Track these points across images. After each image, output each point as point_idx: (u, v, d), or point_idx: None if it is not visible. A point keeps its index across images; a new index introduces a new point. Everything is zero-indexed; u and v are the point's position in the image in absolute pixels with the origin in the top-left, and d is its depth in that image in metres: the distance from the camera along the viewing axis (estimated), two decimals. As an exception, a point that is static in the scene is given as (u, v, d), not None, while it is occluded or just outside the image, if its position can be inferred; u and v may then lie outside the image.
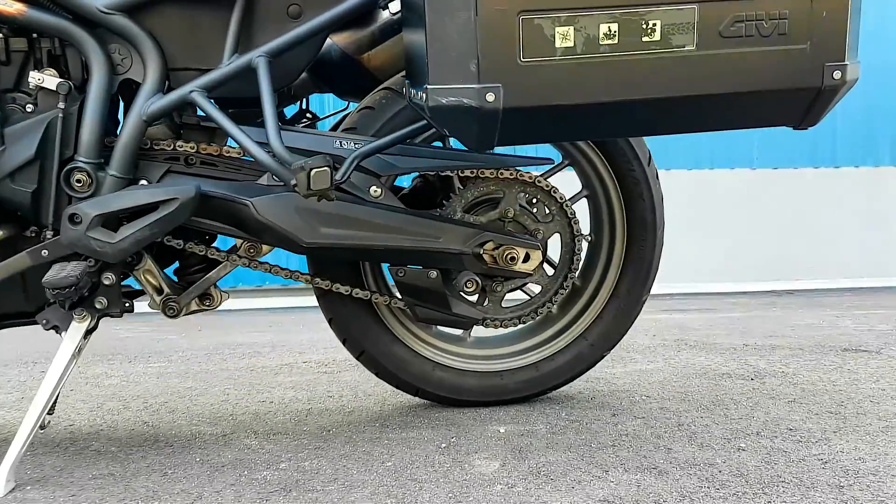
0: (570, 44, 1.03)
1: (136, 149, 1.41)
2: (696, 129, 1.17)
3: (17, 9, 1.35)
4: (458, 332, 1.71)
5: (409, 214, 1.49)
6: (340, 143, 1.48)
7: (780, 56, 1.06)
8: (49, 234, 1.41)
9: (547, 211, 1.59)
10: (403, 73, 1.52)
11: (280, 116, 1.73)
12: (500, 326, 1.63)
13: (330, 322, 1.65)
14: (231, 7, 1.42)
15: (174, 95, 1.40)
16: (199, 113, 1.48)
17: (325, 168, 1.26)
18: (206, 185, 1.43)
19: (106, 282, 1.43)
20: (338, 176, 1.34)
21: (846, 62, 1.07)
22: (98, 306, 1.43)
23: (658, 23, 1.04)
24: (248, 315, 3.47)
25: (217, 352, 2.49)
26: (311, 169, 1.25)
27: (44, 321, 1.44)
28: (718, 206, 4.78)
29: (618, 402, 1.75)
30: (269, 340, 2.69)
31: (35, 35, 1.41)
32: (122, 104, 1.50)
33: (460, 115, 1.07)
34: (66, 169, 1.39)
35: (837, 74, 1.07)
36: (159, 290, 1.51)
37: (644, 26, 1.04)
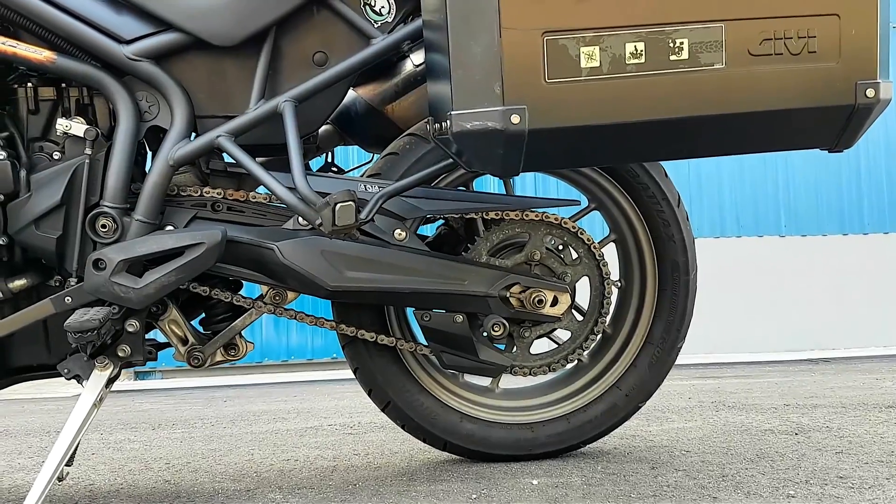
0: (596, 63, 1.02)
1: (162, 194, 1.40)
2: (728, 151, 1.15)
3: (46, 56, 1.37)
4: (486, 382, 1.66)
5: (434, 257, 1.47)
6: (365, 186, 1.47)
7: (811, 74, 1.04)
8: (73, 281, 1.40)
9: (574, 254, 1.56)
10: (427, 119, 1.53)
11: (306, 169, 1.74)
12: (529, 374, 1.57)
13: (355, 372, 1.60)
14: (258, 54, 1.44)
15: (201, 141, 1.41)
16: (227, 159, 1.49)
17: (350, 202, 1.25)
18: (233, 230, 1.42)
19: (129, 329, 1.41)
20: (362, 215, 1.32)
21: (878, 80, 1.05)
22: (121, 354, 1.41)
23: (685, 41, 1.03)
24: (273, 387, 3.43)
25: (242, 418, 2.44)
26: (335, 204, 1.24)
27: (65, 370, 1.42)
28: (746, 274, 4.71)
29: (656, 455, 1.67)
30: (293, 407, 2.64)
31: (63, 84, 1.43)
32: (149, 152, 1.51)
33: (485, 140, 1.05)
34: (91, 214, 1.39)
35: (871, 92, 1.04)
36: (184, 341, 1.48)
37: (671, 45, 1.03)
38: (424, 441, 1.63)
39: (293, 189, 1.34)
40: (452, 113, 1.07)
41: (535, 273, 1.53)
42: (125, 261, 1.34)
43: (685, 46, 1.03)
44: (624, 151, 1.16)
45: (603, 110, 1.03)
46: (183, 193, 1.45)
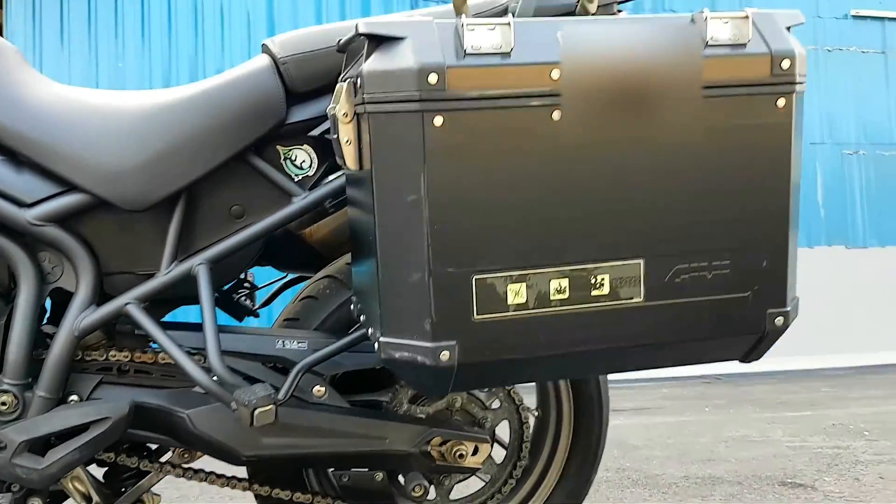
0: (523, 300, 1.03)
1: (67, 367, 1.34)
2: (648, 368, 1.18)
3: (-63, 229, 1.28)
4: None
5: (354, 415, 1.46)
6: (283, 342, 1.44)
7: (724, 304, 1.09)
8: None
9: (495, 398, 1.58)
10: (347, 258, 1.52)
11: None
12: (450, 521, 1.59)
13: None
14: (170, 214, 1.38)
15: (108, 308, 1.35)
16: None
17: (270, 407, 1.22)
18: (141, 394, 1.37)
19: None
20: (280, 395, 1.30)
21: (787, 308, 1.10)
22: None
23: (606, 277, 1.05)
24: None
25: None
26: (254, 409, 1.21)
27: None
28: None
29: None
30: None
31: None
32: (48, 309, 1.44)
33: (413, 369, 1.05)
34: None
35: (780, 321, 1.10)
36: (88, 499, 1.43)
37: (593, 281, 1.05)
38: None
39: (208, 370, 1.30)
40: (381, 340, 1.06)
41: (455, 420, 1.54)
42: (27, 441, 1.28)
43: (606, 282, 1.05)
44: (551, 374, 1.18)
45: (529, 344, 1.05)
46: (88, 358, 1.39)
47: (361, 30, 1.01)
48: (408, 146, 0.99)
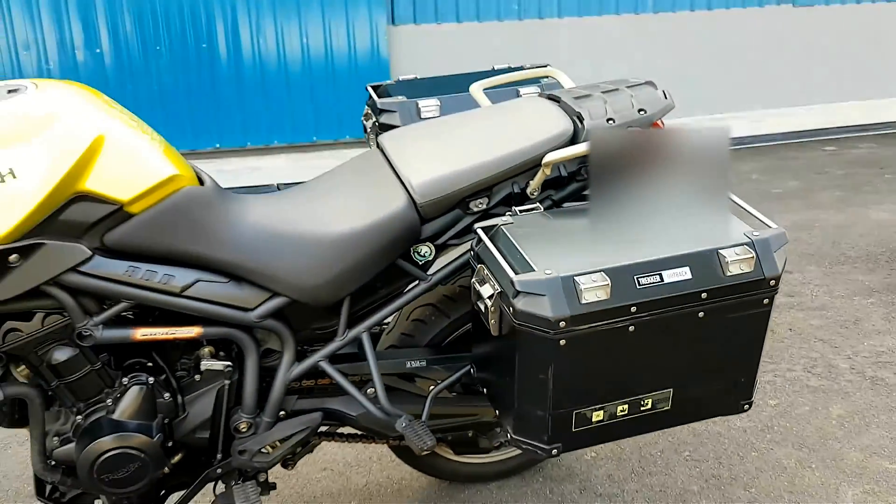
0: (600, 418, 1.74)
1: (281, 401, 2.02)
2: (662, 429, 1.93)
3: (196, 332, 1.87)
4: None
5: (465, 402, 2.21)
6: (410, 363, 2.14)
7: (717, 399, 1.81)
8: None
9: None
10: (443, 290, 2.17)
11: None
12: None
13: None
14: (343, 301, 1.98)
15: (307, 364, 2.00)
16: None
17: (420, 438, 1.96)
18: (325, 403, 2.09)
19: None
20: (423, 418, 2.03)
21: (752, 399, 1.84)
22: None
23: (650, 400, 1.76)
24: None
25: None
26: (421, 451, 1.95)
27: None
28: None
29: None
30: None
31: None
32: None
33: (531, 452, 1.79)
34: (232, 420, 2.00)
35: (746, 406, 1.84)
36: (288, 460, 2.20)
37: (641, 403, 1.75)
38: None
39: (378, 404, 2.01)
40: (512, 436, 1.78)
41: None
42: (260, 448, 2.01)
43: (649, 402, 1.76)
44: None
45: (602, 438, 1.78)
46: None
47: (518, 287, 1.59)
48: (543, 351, 1.62)
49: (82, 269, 1.67)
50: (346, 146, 6.88)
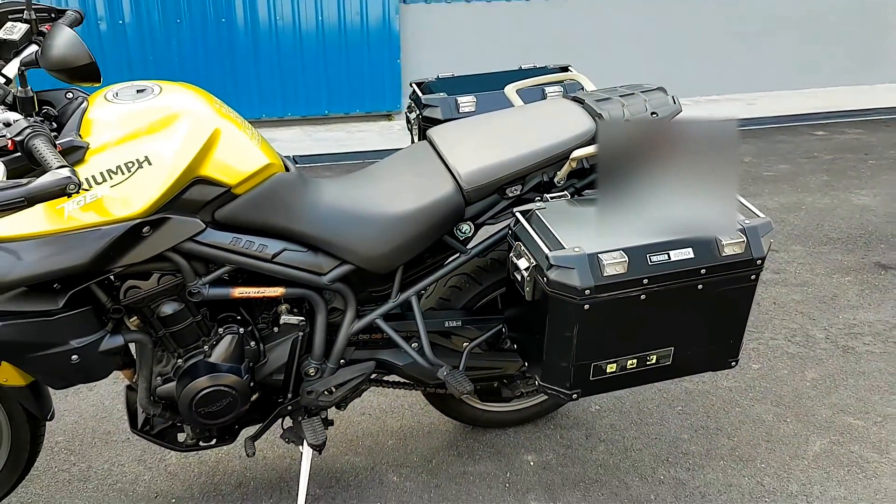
0: (613, 369, 2.13)
1: (343, 351, 2.40)
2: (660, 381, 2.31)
3: (279, 292, 2.23)
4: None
5: (496, 356, 2.61)
6: (447, 322, 2.53)
7: (709, 359, 2.20)
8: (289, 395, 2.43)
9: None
10: (477, 262, 2.54)
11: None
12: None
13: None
14: (397, 268, 2.34)
15: (366, 320, 2.37)
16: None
17: (458, 386, 2.34)
18: (377, 354, 2.47)
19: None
20: (460, 367, 2.42)
21: (738, 357, 2.22)
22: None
23: (655, 356, 2.14)
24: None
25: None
26: (448, 379, 2.34)
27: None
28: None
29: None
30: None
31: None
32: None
33: (556, 397, 2.18)
34: (304, 364, 2.38)
35: (734, 363, 2.23)
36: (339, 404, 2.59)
37: (648, 358, 2.14)
38: None
39: (424, 355, 2.39)
40: (540, 382, 2.17)
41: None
42: (326, 390, 2.39)
43: (654, 357, 2.14)
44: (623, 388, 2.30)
45: (614, 385, 2.17)
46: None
47: (552, 261, 1.96)
48: (570, 314, 2.00)
49: (197, 238, 2.03)
50: (357, 120, 7.21)
